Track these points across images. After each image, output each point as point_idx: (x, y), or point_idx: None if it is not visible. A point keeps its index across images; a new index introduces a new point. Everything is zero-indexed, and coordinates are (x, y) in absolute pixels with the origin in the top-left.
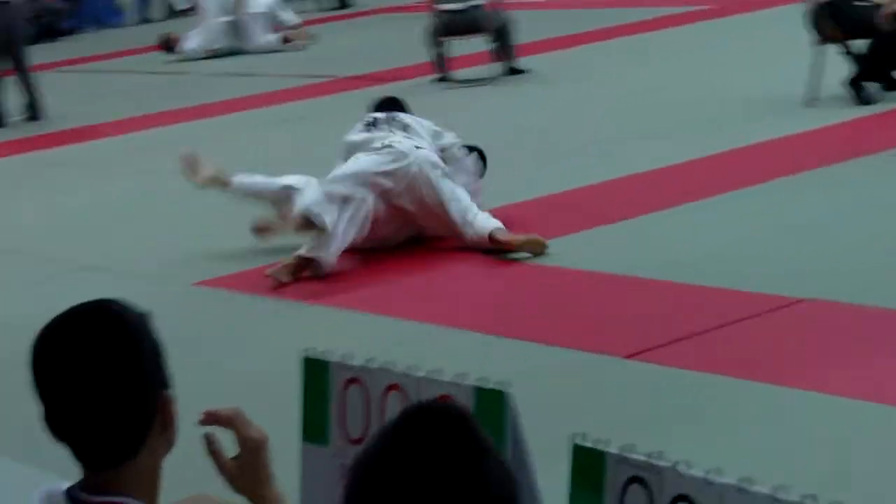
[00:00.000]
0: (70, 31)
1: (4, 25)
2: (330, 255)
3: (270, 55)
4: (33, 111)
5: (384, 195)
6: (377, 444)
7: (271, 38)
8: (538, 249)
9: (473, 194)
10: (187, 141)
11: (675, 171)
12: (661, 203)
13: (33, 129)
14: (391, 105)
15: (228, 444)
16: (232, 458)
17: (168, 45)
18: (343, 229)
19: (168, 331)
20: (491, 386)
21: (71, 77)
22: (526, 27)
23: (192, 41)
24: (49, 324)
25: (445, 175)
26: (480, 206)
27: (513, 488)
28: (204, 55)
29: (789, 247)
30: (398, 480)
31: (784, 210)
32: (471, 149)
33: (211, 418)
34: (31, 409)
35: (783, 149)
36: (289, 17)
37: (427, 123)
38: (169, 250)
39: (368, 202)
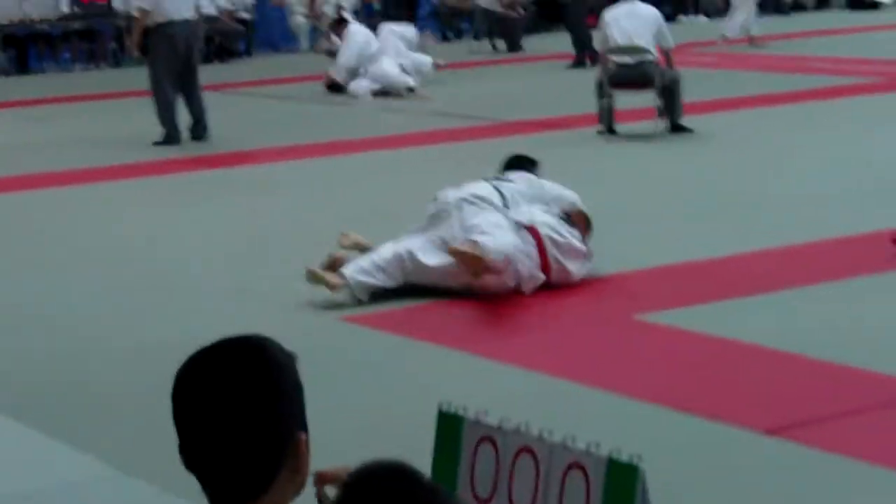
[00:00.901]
0: (243, 54)
1: (185, 41)
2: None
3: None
4: (198, 131)
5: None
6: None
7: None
8: (474, 266)
9: (584, 258)
10: (349, 173)
11: (831, 244)
12: (814, 276)
13: (197, 150)
14: (519, 164)
15: None
16: None
17: (334, 87)
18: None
19: (308, 365)
20: (625, 459)
21: (239, 99)
22: (694, 86)
23: (361, 83)
24: (194, 355)
25: None
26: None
27: None
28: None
29: None
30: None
31: None
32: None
33: (322, 480)
34: (171, 435)
35: None
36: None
37: (549, 185)
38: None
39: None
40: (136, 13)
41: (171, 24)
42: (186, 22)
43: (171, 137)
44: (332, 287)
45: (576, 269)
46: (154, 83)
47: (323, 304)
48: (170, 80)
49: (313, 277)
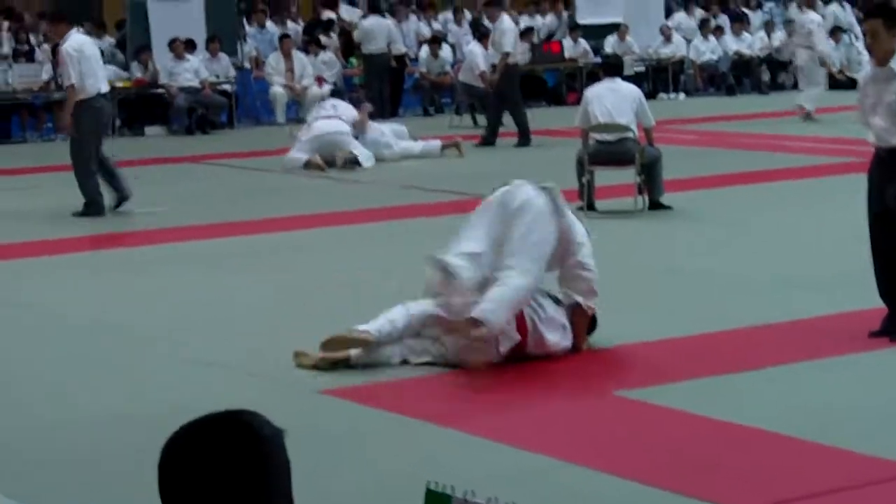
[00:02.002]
0: (225, 125)
1: (107, 115)
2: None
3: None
4: (118, 200)
5: None
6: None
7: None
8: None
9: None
10: (325, 245)
11: (810, 323)
12: (794, 355)
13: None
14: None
15: None
16: None
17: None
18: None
19: (289, 440)
20: None
21: (217, 170)
22: (675, 163)
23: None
24: (182, 429)
25: None
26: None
27: None
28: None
29: None
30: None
31: None
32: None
33: None
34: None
35: None
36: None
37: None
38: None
39: None
40: (67, 89)
41: (96, 97)
42: (106, 95)
43: (95, 208)
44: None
45: (554, 339)
46: (80, 156)
47: (300, 377)
48: (94, 153)
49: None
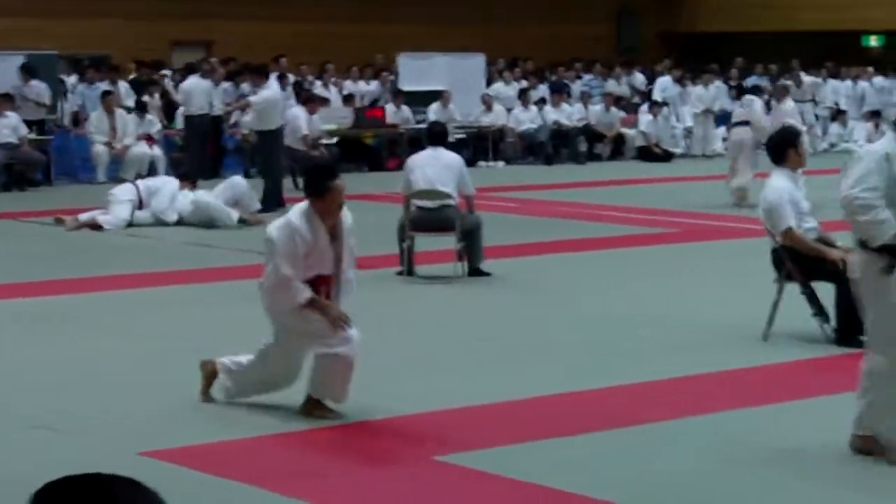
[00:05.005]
0: (42, 183)
1: None
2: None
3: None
4: None
5: None
6: None
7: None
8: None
9: None
10: (143, 306)
11: (623, 391)
12: (605, 423)
13: None
14: None
15: None
16: None
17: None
18: None
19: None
20: None
21: (33, 228)
22: (495, 230)
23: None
24: (41, 491)
25: None
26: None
27: None
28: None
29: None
30: None
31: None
32: None
33: None
34: None
35: (724, 382)
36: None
37: None
38: (121, 412)
39: None
40: None
41: None
42: None
43: None
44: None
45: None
46: None
47: (118, 437)
48: None
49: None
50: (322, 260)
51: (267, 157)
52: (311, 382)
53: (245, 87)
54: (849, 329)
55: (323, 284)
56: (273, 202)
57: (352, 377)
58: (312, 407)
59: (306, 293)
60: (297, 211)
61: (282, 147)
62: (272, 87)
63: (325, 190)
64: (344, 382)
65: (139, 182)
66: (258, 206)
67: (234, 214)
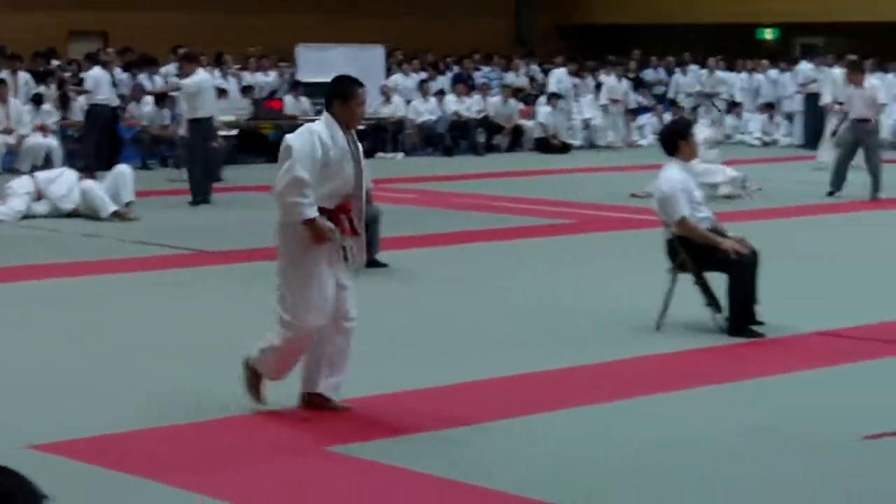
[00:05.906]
0: None
1: None
2: None
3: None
4: None
5: None
6: None
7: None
8: None
9: None
10: (38, 298)
11: (516, 381)
12: (501, 412)
13: None
14: None
15: None
16: None
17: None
18: None
19: None
20: None
21: None
22: (393, 221)
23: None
24: None
25: None
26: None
27: None
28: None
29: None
30: None
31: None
32: None
33: None
34: None
35: (617, 371)
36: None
37: None
38: (10, 404)
39: None
40: None
41: None
42: None
43: None
44: None
45: None
46: None
47: (5, 429)
48: None
49: None
50: (342, 172)
51: (197, 147)
52: (258, 349)
53: (141, 77)
54: (740, 319)
55: (342, 213)
56: (200, 193)
57: (294, 364)
58: (251, 377)
59: (313, 212)
60: (316, 122)
61: (213, 137)
62: (201, 74)
63: (351, 94)
64: (285, 364)
65: (37, 174)
66: (132, 198)
67: (111, 206)
